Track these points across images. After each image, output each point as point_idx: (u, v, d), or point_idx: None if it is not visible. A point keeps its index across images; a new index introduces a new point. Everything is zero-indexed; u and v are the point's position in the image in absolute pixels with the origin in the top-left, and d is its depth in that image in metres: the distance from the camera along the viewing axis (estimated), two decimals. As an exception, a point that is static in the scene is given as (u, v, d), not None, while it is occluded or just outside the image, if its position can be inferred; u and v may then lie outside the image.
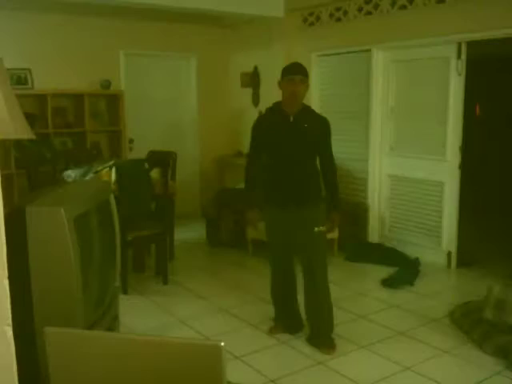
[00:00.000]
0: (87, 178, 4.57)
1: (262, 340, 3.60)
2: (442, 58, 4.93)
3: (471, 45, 4.75)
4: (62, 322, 1.96)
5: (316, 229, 3.34)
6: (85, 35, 6.21)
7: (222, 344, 1.27)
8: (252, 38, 6.88)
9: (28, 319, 1.98)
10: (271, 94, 6.59)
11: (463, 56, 4.78)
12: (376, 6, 5.38)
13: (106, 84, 6.27)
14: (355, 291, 4.52)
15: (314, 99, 6.12)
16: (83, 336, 1.47)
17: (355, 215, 5.60)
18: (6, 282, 1.18)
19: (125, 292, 4.39)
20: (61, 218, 1.95)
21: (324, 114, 7.10)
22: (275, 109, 3.40)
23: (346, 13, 5.70)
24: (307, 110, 3.39)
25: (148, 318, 4.00)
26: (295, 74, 3.24)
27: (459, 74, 4.81)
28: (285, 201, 3.39)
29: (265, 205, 3.48)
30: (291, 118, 3.30)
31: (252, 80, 6.92)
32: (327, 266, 3.49)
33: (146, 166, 4.65)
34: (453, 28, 4.71)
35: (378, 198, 5.66)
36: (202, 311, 4.13)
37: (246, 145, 7.31)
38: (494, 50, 5.50)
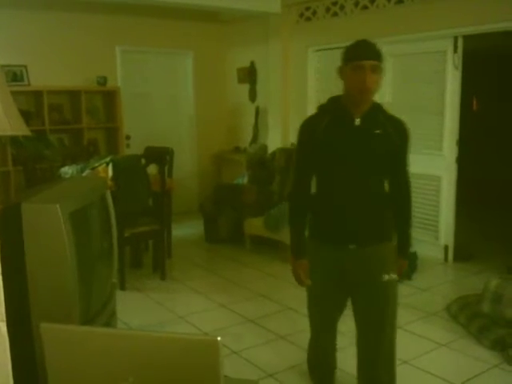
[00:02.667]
0: (84, 174, 4.57)
1: (261, 335, 3.61)
2: (439, 52, 4.92)
3: (468, 38, 4.75)
4: (58, 318, 1.96)
5: (386, 276, 2.40)
6: (81, 32, 6.19)
7: (219, 339, 1.27)
8: (248, 33, 6.87)
9: (24, 315, 1.97)
10: (268, 89, 6.63)
11: (460, 50, 4.78)
12: (372, 1, 5.37)
13: (102, 80, 6.26)
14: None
15: (310, 95, 6.12)
16: (80, 332, 1.47)
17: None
18: (0, 278, 1.18)
19: (122, 288, 4.39)
20: (56, 215, 1.94)
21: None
22: (333, 108, 2.36)
23: (342, 7, 5.69)
24: (378, 110, 2.34)
25: (146, 314, 4.00)
26: (366, 58, 2.18)
27: (456, 68, 4.81)
28: (344, 237, 2.37)
29: (311, 240, 2.49)
30: (357, 121, 2.28)
31: (249, 75, 6.91)
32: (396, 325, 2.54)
33: (143, 162, 4.64)
34: (449, 22, 4.71)
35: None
36: (200, 307, 4.13)
37: (243, 140, 7.36)
38: (490, 43, 5.50)
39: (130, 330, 3.35)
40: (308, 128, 2.36)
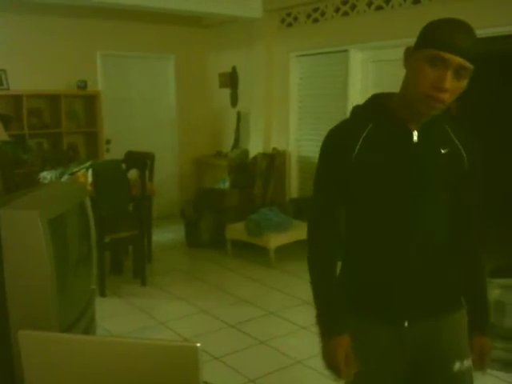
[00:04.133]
0: (63, 179, 4.53)
1: (242, 340, 3.60)
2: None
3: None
4: (36, 325, 1.93)
5: (457, 364, 1.61)
6: (61, 36, 6.14)
7: (198, 345, 1.27)
8: (230, 38, 6.88)
9: (2, 323, 1.95)
10: (250, 94, 6.65)
11: (438, 56, 4.84)
12: (353, 7, 5.42)
13: (83, 85, 6.22)
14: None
15: (292, 100, 6.15)
16: (58, 339, 1.45)
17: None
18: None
19: (102, 294, 4.35)
20: (35, 222, 1.92)
21: (302, 115, 7.15)
22: (378, 113, 1.57)
23: (323, 13, 5.73)
24: (443, 120, 1.59)
25: (126, 320, 3.97)
26: (455, 50, 1.39)
27: (435, 75, 4.87)
28: (393, 310, 1.58)
29: (356, 322, 1.61)
30: (415, 136, 1.54)
31: (230, 80, 6.93)
32: None
33: (124, 166, 4.61)
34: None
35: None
36: (182, 313, 4.11)
37: (225, 145, 7.37)
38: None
39: (109, 336, 3.33)
40: (338, 140, 1.57)
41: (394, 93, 1.57)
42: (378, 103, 1.58)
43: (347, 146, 1.54)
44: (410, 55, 1.50)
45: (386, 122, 1.55)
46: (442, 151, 1.55)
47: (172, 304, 4.29)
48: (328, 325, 1.60)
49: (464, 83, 1.43)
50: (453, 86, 1.40)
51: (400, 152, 1.54)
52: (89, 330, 2.53)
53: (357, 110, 1.63)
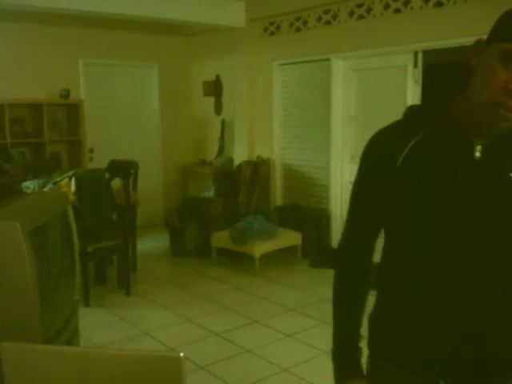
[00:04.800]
0: (46, 189, 4.49)
1: (227, 349, 3.59)
2: (400, 67, 5.03)
3: (428, 53, 4.88)
4: (19, 336, 1.91)
5: None
6: (43, 44, 6.11)
7: (181, 355, 1.26)
8: (213, 46, 6.90)
9: (-17, 336, 1.92)
10: (234, 102, 6.66)
11: (419, 64, 4.90)
12: (334, 16, 5.47)
13: (65, 93, 6.18)
14: (320, 297, 4.55)
15: (276, 109, 6.17)
16: (41, 350, 1.44)
17: (318, 221, 5.66)
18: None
19: (86, 305, 4.31)
20: (17, 233, 1.91)
21: (286, 123, 7.21)
22: (434, 119, 1.28)
23: (305, 22, 5.78)
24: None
25: (110, 330, 3.94)
26: None
27: (416, 82, 4.93)
28: (456, 365, 1.27)
29: (370, 357, 1.40)
30: (477, 152, 1.23)
31: (214, 89, 6.94)
32: None
33: (107, 175, 4.59)
34: (409, 37, 4.83)
35: (340, 204, 5.72)
36: (167, 322, 4.09)
37: (209, 153, 7.37)
38: (450, 57, 5.66)
39: (92, 347, 3.30)
40: (379, 148, 1.29)
41: (455, 99, 1.24)
42: (437, 106, 1.28)
43: (389, 156, 1.24)
44: (480, 51, 1.16)
45: (444, 129, 1.23)
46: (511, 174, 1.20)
47: (157, 313, 4.26)
48: (346, 366, 1.37)
49: None
50: None
51: (456, 169, 1.21)
52: (72, 340, 2.51)
53: (411, 110, 1.33)
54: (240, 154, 6.46)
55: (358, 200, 1.35)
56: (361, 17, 5.23)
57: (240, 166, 6.09)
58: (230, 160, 6.51)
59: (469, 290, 1.21)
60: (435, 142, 1.23)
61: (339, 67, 5.54)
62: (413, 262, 1.27)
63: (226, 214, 5.66)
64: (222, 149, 6.82)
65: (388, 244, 1.34)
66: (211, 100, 7.01)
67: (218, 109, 6.95)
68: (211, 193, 6.18)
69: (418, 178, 1.22)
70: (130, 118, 6.99)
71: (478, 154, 1.21)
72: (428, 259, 1.24)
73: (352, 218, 1.37)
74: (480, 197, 1.20)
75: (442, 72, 5.09)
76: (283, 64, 6.10)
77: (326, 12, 5.54)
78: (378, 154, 1.28)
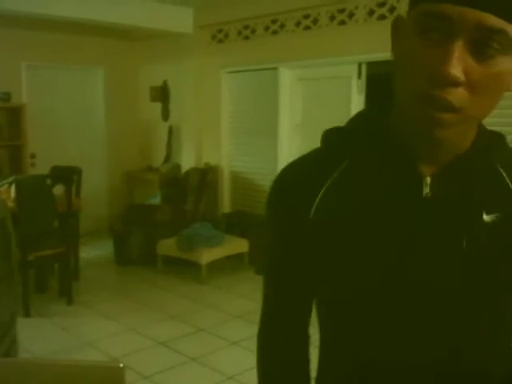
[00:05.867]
0: (-16, 195, 4.33)
1: (172, 358, 3.55)
2: (344, 78, 5.15)
3: (371, 65, 5.01)
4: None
5: None
6: (-18, 45, 5.91)
7: (122, 365, 1.24)
8: (161, 51, 6.85)
9: None
10: (181, 108, 6.63)
11: (363, 76, 5.03)
12: (282, 26, 5.54)
13: (6, 97, 5.99)
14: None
15: (224, 116, 6.19)
16: (-27, 364, 1.38)
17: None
18: None
19: (26, 315, 4.17)
20: (-50, 239, 1.84)
21: (234, 130, 7.25)
22: (359, 144, 0.87)
23: (253, 31, 5.82)
24: (490, 154, 0.82)
25: (51, 341, 3.82)
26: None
27: (360, 93, 5.06)
28: None
29: None
30: (426, 187, 0.79)
31: (162, 94, 6.88)
32: None
33: (49, 182, 4.47)
34: (354, 49, 4.95)
35: (286, 211, 5.78)
36: (110, 331, 4.00)
37: (156, 159, 7.29)
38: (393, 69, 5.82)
39: (31, 358, 3.19)
40: (290, 188, 0.89)
41: (391, 110, 0.84)
42: (369, 123, 0.89)
43: (303, 197, 0.85)
44: (397, 28, 0.78)
45: (376, 155, 0.83)
46: (486, 217, 0.79)
47: (99, 323, 4.17)
48: None
49: (505, 65, 0.69)
50: (474, 72, 0.68)
51: (393, 214, 0.80)
52: (10, 352, 2.42)
53: (330, 135, 0.93)
54: (187, 161, 6.43)
55: (274, 261, 0.93)
56: (307, 27, 5.33)
57: (187, 172, 6.06)
58: (178, 167, 6.47)
59: (425, 377, 0.85)
60: (363, 174, 0.82)
61: (286, 76, 5.62)
62: (353, 347, 0.88)
63: (172, 221, 5.61)
64: (169, 155, 6.77)
65: (324, 327, 0.93)
66: (158, 106, 6.95)
67: (166, 115, 6.90)
68: (158, 199, 6.11)
69: (337, 232, 0.82)
70: (74, 122, 6.84)
71: (426, 190, 0.79)
72: (374, 341, 0.86)
73: (271, 288, 0.94)
74: (430, 256, 0.79)
75: (386, 83, 5.23)
76: (231, 72, 6.13)
77: (274, 22, 5.61)
78: (288, 197, 0.87)
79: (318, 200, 0.84)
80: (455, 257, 0.79)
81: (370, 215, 0.81)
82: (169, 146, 6.76)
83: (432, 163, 0.80)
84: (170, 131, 6.73)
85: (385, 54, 5.04)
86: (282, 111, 5.64)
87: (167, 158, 6.77)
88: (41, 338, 3.84)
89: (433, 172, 0.80)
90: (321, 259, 0.85)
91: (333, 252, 0.84)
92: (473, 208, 0.80)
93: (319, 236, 0.84)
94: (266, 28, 5.70)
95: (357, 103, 5.08)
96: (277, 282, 0.93)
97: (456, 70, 0.66)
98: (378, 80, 5.41)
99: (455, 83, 0.67)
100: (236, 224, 5.78)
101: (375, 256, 0.81)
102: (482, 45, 0.67)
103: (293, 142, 5.66)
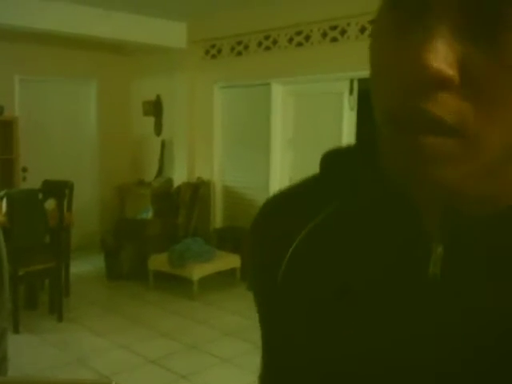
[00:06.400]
0: (-26, 209, 4.29)
1: (162, 376, 3.52)
2: (336, 94, 5.19)
3: (363, 81, 5.05)
4: None
5: None
6: (-25, 58, 5.90)
7: (114, 383, 1.23)
8: (154, 66, 6.88)
9: None
10: (174, 123, 6.64)
11: (355, 92, 5.07)
12: (275, 42, 5.58)
13: (-2, 110, 5.98)
14: (256, 320, 4.55)
15: (216, 131, 6.20)
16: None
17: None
18: None
19: (16, 331, 4.12)
20: None
21: (226, 145, 7.24)
22: (351, 181, 0.53)
23: (246, 47, 5.86)
24: None
25: (41, 358, 3.78)
26: None
27: (351, 109, 5.09)
28: None
29: None
30: (434, 263, 0.45)
31: (154, 109, 6.89)
32: None
33: (40, 196, 4.45)
34: (345, 65, 4.98)
35: (278, 227, 5.78)
36: (100, 348, 3.96)
37: (148, 174, 7.27)
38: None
39: (20, 376, 3.14)
40: (262, 245, 0.62)
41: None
42: (360, 152, 0.56)
43: (276, 247, 0.59)
44: (373, 31, 0.48)
45: (372, 200, 0.53)
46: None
47: (90, 340, 4.12)
48: None
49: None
50: (476, 64, 0.38)
51: (386, 297, 0.50)
52: (0, 369, 2.38)
53: (331, 159, 0.58)
54: (180, 175, 6.42)
55: (264, 335, 0.71)
56: (299, 44, 5.37)
57: (179, 187, 6.05)
58: (170, 181, 6.46)
59: None
60: (353, 225, 0.54)
61: (278, 92, 5.65)
62: None
63: (164, 236, 5.59)
64: (161, 170, 6.76)
65: None
66: (151, 120, 6.96)
67: (158, 129, 6.90)
68: (149, 214, 6.09)
69: (306, 309, 0.56)
70: (66, 136, 6.83)
71: (435, 268, 0.47)
72: None
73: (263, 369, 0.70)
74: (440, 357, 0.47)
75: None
76: (224, 87, 6.15)
77: (267, 38, 5.65)
78: (258, 253, 0.65)
79: (287, 257, 0.57)
80: (455, 345, 0.46)
81: (348, 288, 0.52)
82: (161, 160, 6.76)
83: (444, 227, 0.47)
84: (163, 145, 6.73)
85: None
86: (274, 126, 5.66)
87: (159, 173, 6.76)
88: (30, 355, 3.80)
89: (444, 241, 0.47)
90: (283, 336, 0.60)
91: (293, 329, 0.58)
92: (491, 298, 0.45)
93: (286, 310, 0.58)
94: (259, 44, 5.74)
95: (348, 119, 5.11)
96: (267, 352, 0.69)
97: (441, 63, 0.37)
98: (369, 96, 5.45)
99: (442, 84, 0.38)
100: (228, 239, 5.76)
101: (357, 343, 0.51)
102: (486, 15, 0.37)
103: (285, 157, 5.68)
